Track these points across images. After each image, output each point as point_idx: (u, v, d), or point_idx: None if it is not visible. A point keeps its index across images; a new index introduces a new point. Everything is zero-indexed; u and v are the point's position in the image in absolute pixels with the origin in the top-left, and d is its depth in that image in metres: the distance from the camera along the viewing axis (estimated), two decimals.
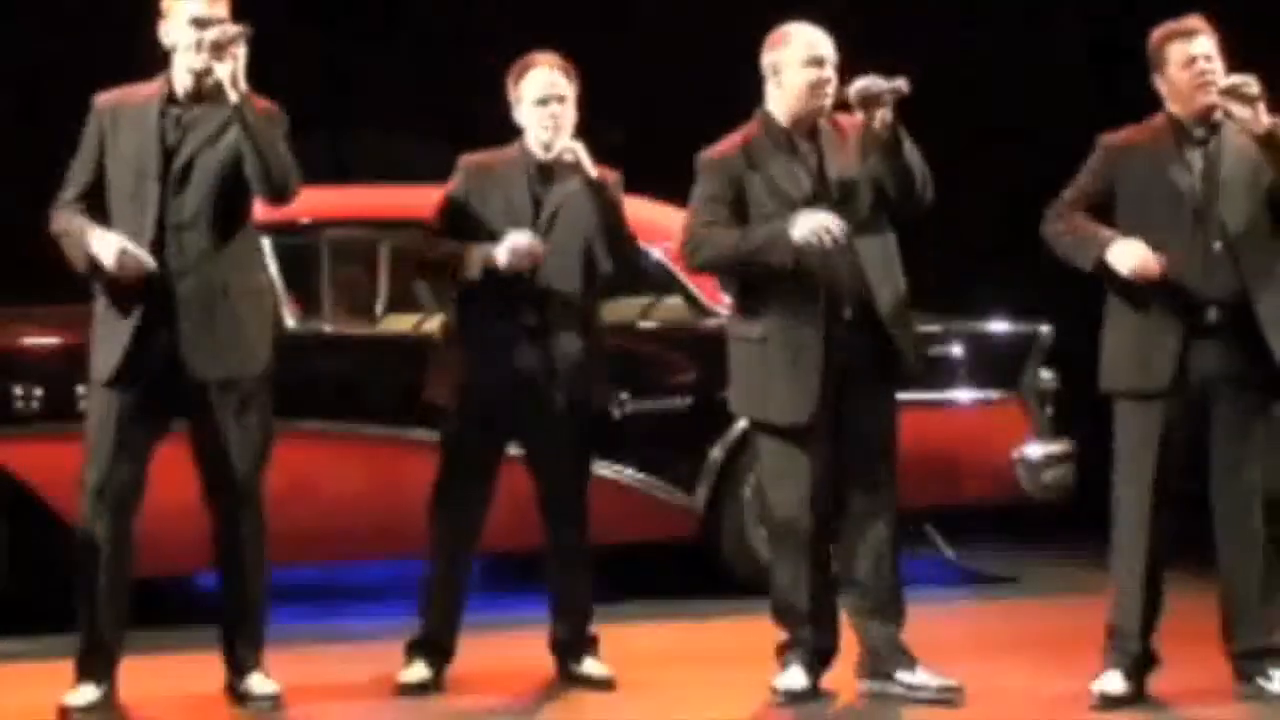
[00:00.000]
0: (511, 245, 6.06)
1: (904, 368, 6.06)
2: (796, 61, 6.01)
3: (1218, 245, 5.91)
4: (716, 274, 6.36)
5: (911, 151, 5.91)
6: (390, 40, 11.05)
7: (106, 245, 5.73)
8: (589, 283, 6.27)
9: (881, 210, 6.03)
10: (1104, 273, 5.97)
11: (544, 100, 6.20)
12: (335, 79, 10.97)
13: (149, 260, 5.74)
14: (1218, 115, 5.94)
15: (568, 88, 6.24)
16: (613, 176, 6.27)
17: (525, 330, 6.18)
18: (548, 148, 6.22)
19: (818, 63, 5.99)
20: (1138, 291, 5.94)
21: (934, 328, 7.85)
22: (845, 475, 6.12)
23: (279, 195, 5.86)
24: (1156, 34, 6.02)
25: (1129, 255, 5.87)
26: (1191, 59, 5.92)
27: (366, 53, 11.05)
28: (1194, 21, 5.99)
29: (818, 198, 5.96)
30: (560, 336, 6.19)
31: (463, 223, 6.22)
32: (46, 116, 9.66)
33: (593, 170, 6.14)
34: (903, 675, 6.10)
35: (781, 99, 6.06)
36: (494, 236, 6.14)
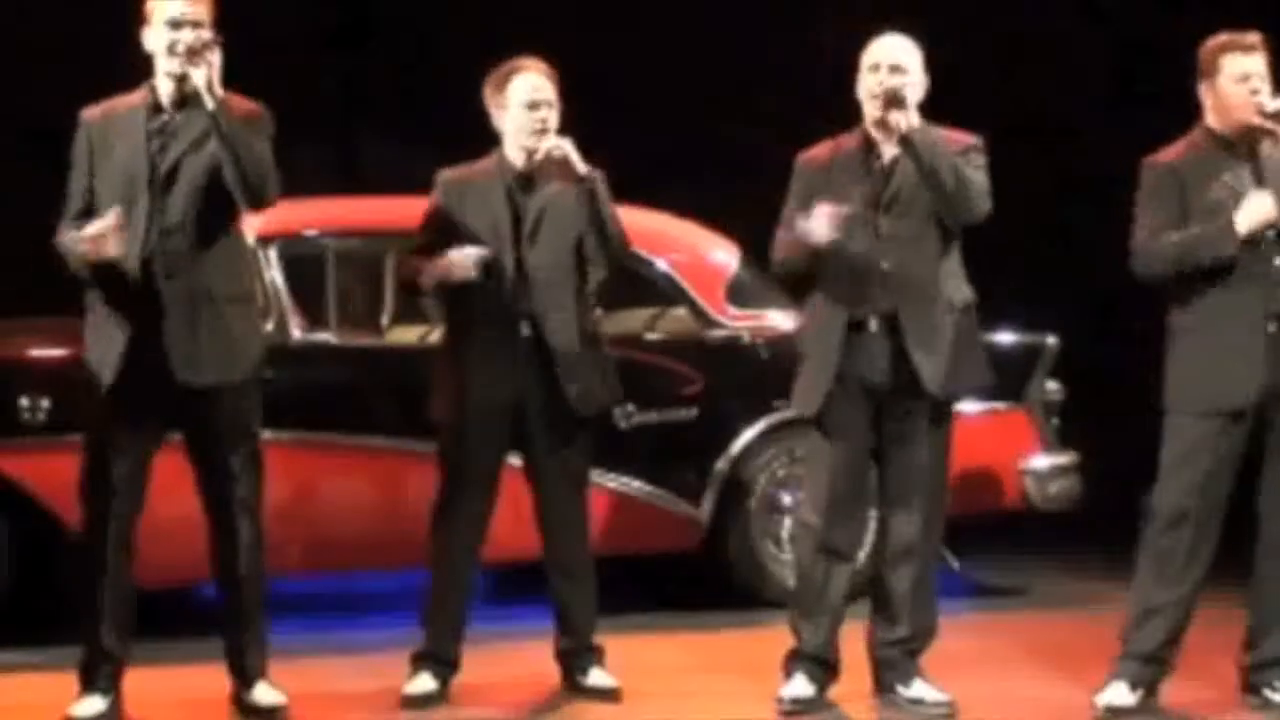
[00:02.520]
0: (454, 260, 6.06)
1: (923, 389, 6.00)
2: (864, 68, 6.04)
3: (1278, 260, 5.91)
4: (786, 274, 6.36)
5: (937, 157, 5.88)
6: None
7: (86, 232, 5.71)
8: (581, 286, 6.27)
9: (933, 225, 6.01)
10: (1173, 292, 5.98)
11: (534, 104, 6.19)
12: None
13: (114, 246, 5.70)
14: (1258, 133, 5.92)
15: (552, 92, 6.24)
16: (598, 173, 6.25)
17: (519, 340, 6.18)
18: (530, 154, 6.22)
19: (874, 69, 6.00)
20: (1203, 309, 5.93)
21: None
22: (885, 499, 6.12)
23: (256, 202, 5.84)
24: (1214, 42, 6.00)
25: (1263, 205, 5.84)
26: (1246, 75, 5.91)
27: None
28: (1253, 37, 5.97)
29: (875, 207, 5.98)
30: (555, 344, 6.18)
31: (445, 239, 6.22)
32: (50, 130, 9.69)
33: (582, 166, 6.13)
34: (901, 689, 6.11)
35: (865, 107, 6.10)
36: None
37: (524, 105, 6.21)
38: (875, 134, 6.07)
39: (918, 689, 6.09)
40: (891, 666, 6.14)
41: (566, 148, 6.13)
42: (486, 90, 6.29)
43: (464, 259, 6.07)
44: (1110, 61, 10.75)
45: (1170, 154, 6.07)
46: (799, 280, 6.17)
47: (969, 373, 6.14)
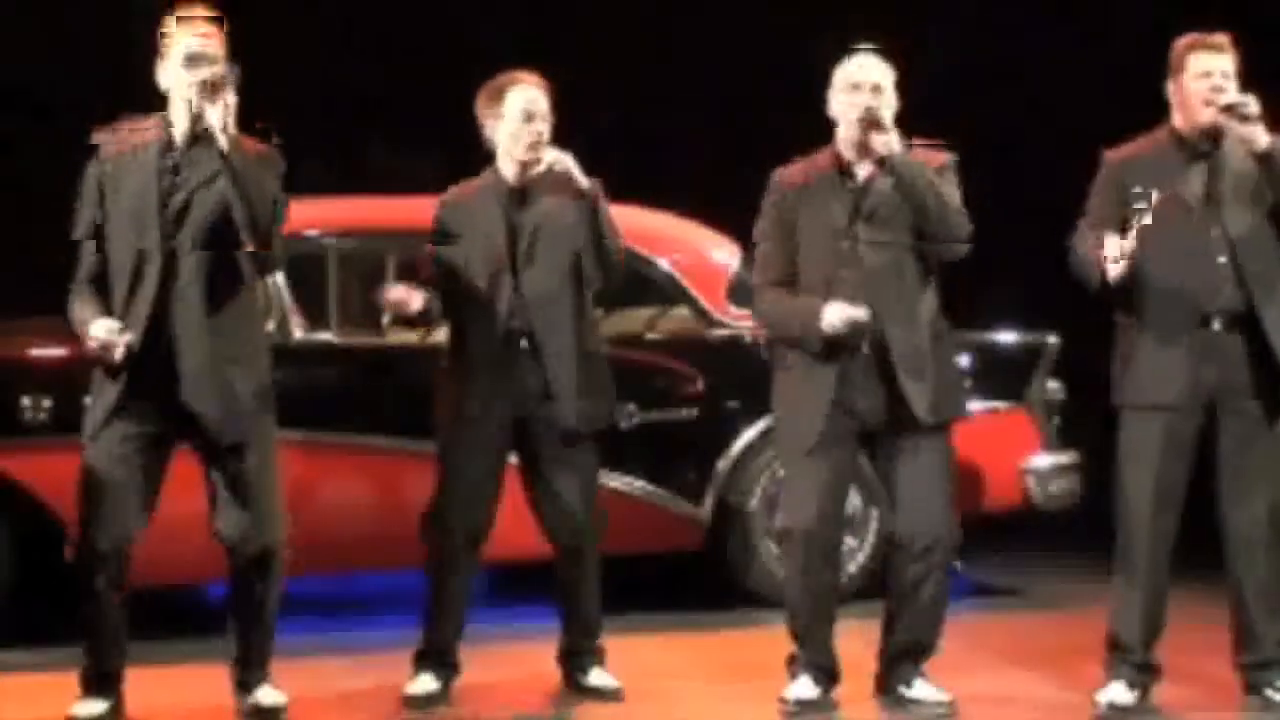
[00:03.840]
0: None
1: (917, 419, 5.97)
2: (839, 88, 6.02)
3: (1222, 259, 5.94)
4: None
5: (919, 180, 5.88)
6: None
7: (95, 333, 5.71)
8: (578, 299, 6.27)
9: (910, 244, 5.99)
10: (1111, 291, 5.98)
11: (529, 116, 6.19)
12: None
13: (120, 348, 5.71)
14: (1222, 130, 5.94)
15: (547, 105, 6.23)
16: (595, 183, 6.24)
17: (518, 355, 6.18)
18: (525, 167, 6.21)
19: (855, 88, 5.98)
20: (1146, 306, 5.96)
21: None
22: (895, 506, 6.09)
23: (263, 241, 5.80)
24: (1183, 41, 6.04)
25: (1113, 253, 5.83)
26: (1208, 73, 5.94)
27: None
28: (1221, 38, 6.01)
29: (850, 228, 5.97)
30: (554, 356, 6.18)
31: (448, 266, 6.23)
32: (46, 131, 9.70)
33: (584, 181, 6.13)
34: (903, 689, 6.11)
35: (839, 125, 6.08)
36: (478, 271, 6.16)
37: (519, 118, 6.20)
38: (848, 154, 6.05)
39: (919, 689, 6.10)
40: (894, 667, 6.13)
41: (568, 162, 6.12)
42: (479, 103, 6.28)
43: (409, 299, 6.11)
44: (1112, 63, 10.74)
45: (1127, 150, 6.12)
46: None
47: (951, 403, 6.11)
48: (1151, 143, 6.09)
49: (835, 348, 5.94)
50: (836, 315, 5.88)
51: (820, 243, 5.99)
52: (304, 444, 7.11)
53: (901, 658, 6.12)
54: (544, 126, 6.20)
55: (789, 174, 6.13)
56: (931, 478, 6.03)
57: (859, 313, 5.86)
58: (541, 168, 6.18)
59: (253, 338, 5.98)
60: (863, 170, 6.02)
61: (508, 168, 6.26)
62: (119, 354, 5.72)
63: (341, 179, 7.97)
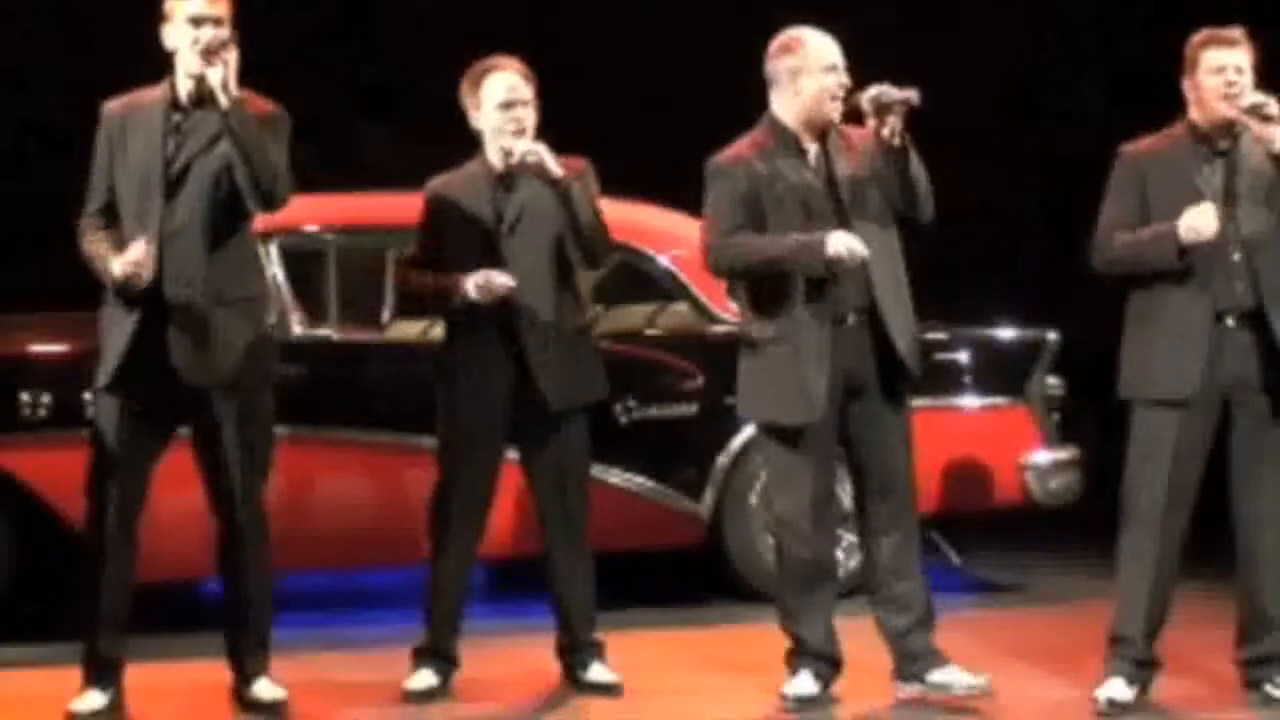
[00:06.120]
0: (480, 282, 6.08)
1: (906, 375, 6.05)
2: (815, 68, 6.01)
3: (1236, 256, 5.93)
4: (736, 279, 6.35)
5: (917, 165, 5.91)
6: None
7: (119, 263, 5.74)
8: (563, 283, 6.27)
9: (889, 218, 6.04)
10: (1132, 282, 6.00)
11: (509, 104, 6.19)
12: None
13: (147, 272, 5.74)
14: (1238, 128, 5.95)
15: (529, 91, 6.23)
16: (580, 165, 6.24)
17: (504, 337, 6.18)
18: (509, 154, 6.21)
19: (833, 69, 5.99)
20: (1160, 300, 5.96)
21: (941, 334, 7.86)
22: (863, 488, 6.12)
23: (267, 204, 5.84)
24: (1197, 37, 6.04)
25: (1203, 219, 5.82)
26: (1222, 68, 5.95)
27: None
28: (1235, 33, 6.01)
29: (830, 200, 5.97)
30: (539, 341, 6.19)
31: (435, 249, 6.26)
32: (53, 127, 9.70)
33: (558, 171, 6.12)
34: (933, 675, 6.09)
35: (795, 104, 6.05)
36: (463, 254, 6.17)
37: (499, 105, 6.21)
38: (803, 133, 6.05)
39: (950, 674, 6.07)
40: (917, 656, 6.10)
41: (541, 152, 6.12)
42: (462, 90, 6.28)
43: (496, 283, 6.08)
44: (1112, 50, 10.75)
45: (1144, 145, 6.12)
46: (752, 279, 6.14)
47: (920, 355, 6.17)
48: (1168, 139, 6.09)
49: (824, 307, 5.94)
50: (842, 242, 5.85)
51: (794, 218, 5.96)
52: (303, 440, 7.11)
53: (911, 635, 6.10)
54: (524, 113, 6.20)
55: (737, 155, 6.08)
56: (904, 466, 6.08)
57: (862, 247, 5.86)
58: (514, 160, 6.17)
59: (249, 291, 5.98)
60: (814, 148, 6.03)
61: (494, 154, 6.26)
62: (147, 275, 5.72)
63: (341, 174, 7.98)
